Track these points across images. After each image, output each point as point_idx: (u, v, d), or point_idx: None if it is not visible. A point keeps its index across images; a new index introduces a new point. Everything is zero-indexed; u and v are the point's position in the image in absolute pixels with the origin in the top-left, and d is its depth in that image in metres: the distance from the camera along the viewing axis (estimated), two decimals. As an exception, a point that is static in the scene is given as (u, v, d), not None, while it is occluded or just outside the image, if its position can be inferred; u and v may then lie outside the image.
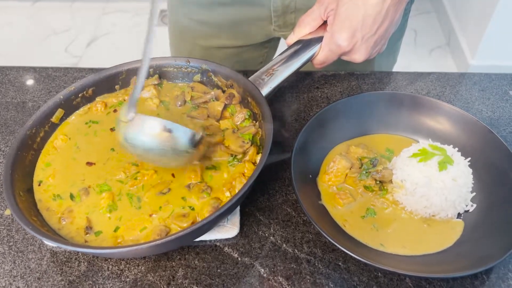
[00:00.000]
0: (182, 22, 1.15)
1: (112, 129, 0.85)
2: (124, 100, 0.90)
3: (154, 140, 0.69)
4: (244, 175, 0.75)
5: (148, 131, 0.69)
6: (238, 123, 0.83)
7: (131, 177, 0.77)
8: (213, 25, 1.11)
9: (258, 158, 0.78)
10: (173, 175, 0.77)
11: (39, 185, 0.77)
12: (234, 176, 0.75)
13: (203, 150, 0.75)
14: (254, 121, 0.83)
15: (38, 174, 0.79)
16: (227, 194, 0.73)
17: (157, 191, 0.74)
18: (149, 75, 0.92)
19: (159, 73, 0.92)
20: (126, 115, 0.68)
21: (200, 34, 1.14)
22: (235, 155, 0.78)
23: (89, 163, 0.80)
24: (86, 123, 0.87)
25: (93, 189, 0.76)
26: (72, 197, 0.75)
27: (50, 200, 0.75)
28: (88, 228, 0.71)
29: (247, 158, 0.77)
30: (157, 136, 0.68)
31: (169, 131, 0.69)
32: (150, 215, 0.72)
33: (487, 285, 0.71)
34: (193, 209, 0.72)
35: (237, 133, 0.80)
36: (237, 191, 0.71)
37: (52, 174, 0.79)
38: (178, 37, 1.21)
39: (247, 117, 0.83)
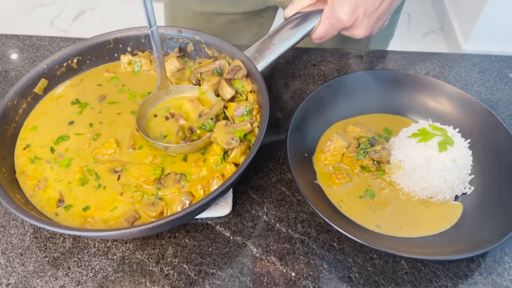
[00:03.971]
0: None
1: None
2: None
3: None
4: (223, 176, 0.71)
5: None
6: (237, 117, 0.76)
7: (93, 147, 0.75)
8: None
9: (242, 159, 0.72)
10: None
11: (24, 149, 0.75)
12: (213, 174, 0.71)
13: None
14: (251, 116, 0.76)
15: (24, 138, 0.77)
16: (201, 192, 0.69)
17: (110, 167, 0.72)
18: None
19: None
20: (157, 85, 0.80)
21: None
22: (226, 152, 0.73)
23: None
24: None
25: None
26: (52, 150, 0.75)
27: (28, 163, 0.73)
28: (60, 201, 0.69)
29: (229, 159, 0.72)
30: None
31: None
32: (121, 194, 0.69)
33: (483, 268, 0.70)
34: (160, 199, 0.69)
35: (229, 127, 0.73)
36: (212, 191, 0.68)
37: (36, 132, 0.78)
38: (173, 1, 1.17)
39: (245, 112, 0.76)
